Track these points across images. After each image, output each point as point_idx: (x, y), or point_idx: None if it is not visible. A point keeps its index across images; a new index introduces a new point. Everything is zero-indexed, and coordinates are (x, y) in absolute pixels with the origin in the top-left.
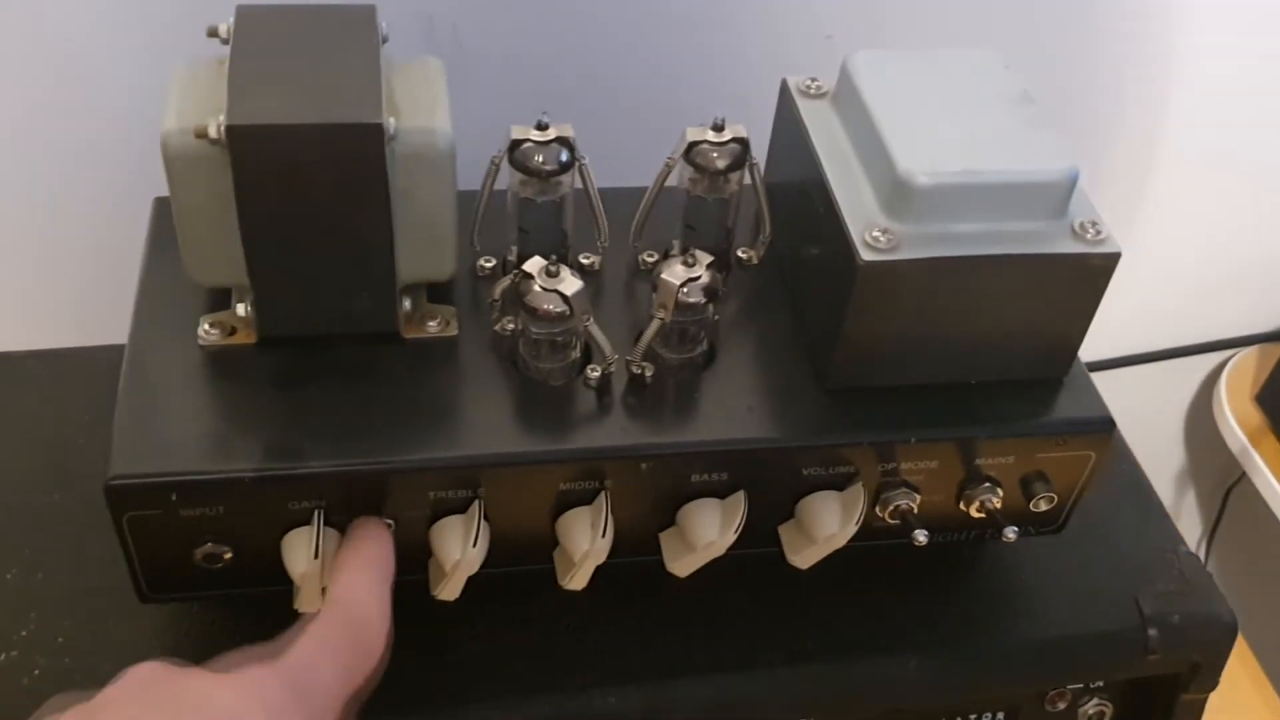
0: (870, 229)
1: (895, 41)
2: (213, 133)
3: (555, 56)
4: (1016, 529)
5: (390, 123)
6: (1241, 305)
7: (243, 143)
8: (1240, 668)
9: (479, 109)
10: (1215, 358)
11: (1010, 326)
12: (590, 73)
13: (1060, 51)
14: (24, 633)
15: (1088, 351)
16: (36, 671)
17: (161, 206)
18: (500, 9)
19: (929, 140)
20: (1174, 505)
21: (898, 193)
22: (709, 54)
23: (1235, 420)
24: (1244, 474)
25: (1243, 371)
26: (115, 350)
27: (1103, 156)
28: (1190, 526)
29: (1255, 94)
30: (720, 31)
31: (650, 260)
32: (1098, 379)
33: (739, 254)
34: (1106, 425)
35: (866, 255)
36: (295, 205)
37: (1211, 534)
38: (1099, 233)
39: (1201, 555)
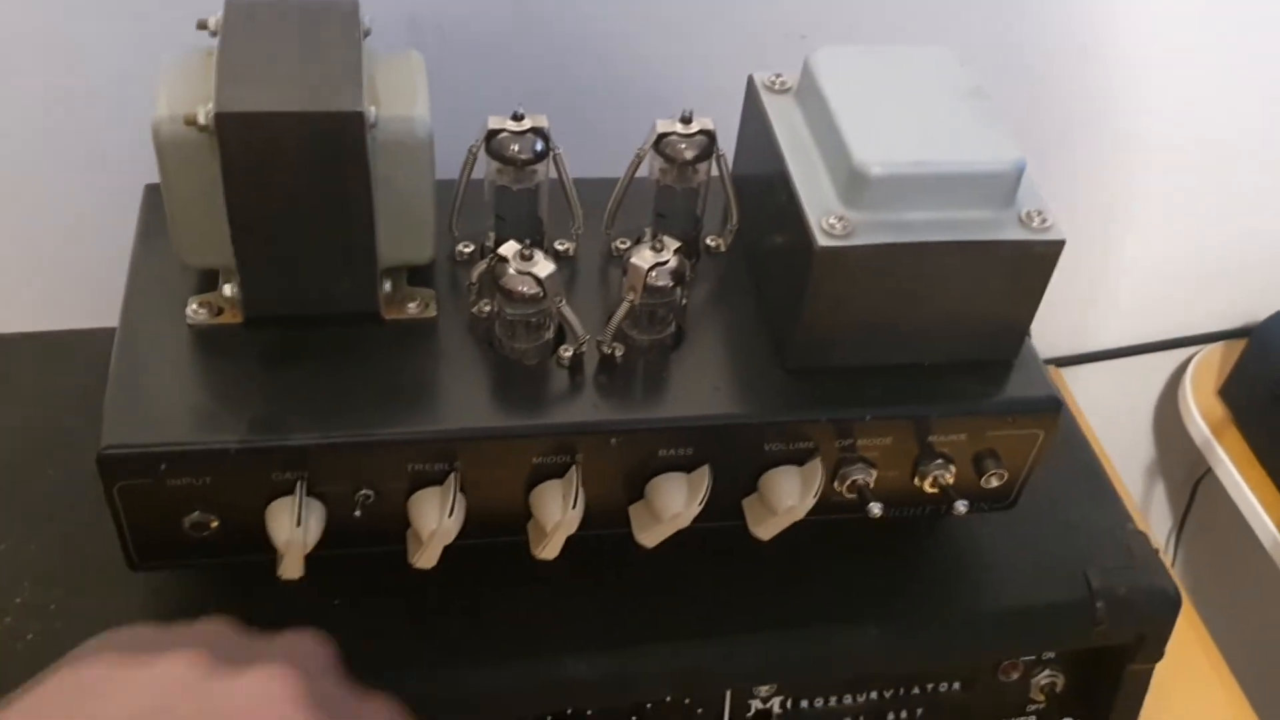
0: (827, 216)
1: (869, 40)
2: (201, 120)
3: (535, 53)
4: (968, 503)
5: (371, 111)
6: (1207, 302)
7: (230, 129)
8: (1203, 659)
9: (461, 101)
10: (1181, 354)
11: (961, 310)
12: (570, 68)
13: (1030, 49)
14: (18, 600)
15: (1057, 348)
16: (30, 636)
17: (151, 193)
18: (482, 9)
19: (884, 133)
20: (1143, 498)
21: (853, 182)
22: (686, 52)
23: (1200, 415)
24: (1210, 469)
25: (1208, 367)
26: (107, 333)
27: (1071, 154)
28: (1159, 519)
29: (1223, 93)
30: (698, 31)
31: (622, 247)
32: (1068, 374)
33: (707, 241)
34: (1053, 405)
35: (823, 241)
36: (280, 190)
37: (1180, 526)
38: (1045, 221)
39: (1170, 547)
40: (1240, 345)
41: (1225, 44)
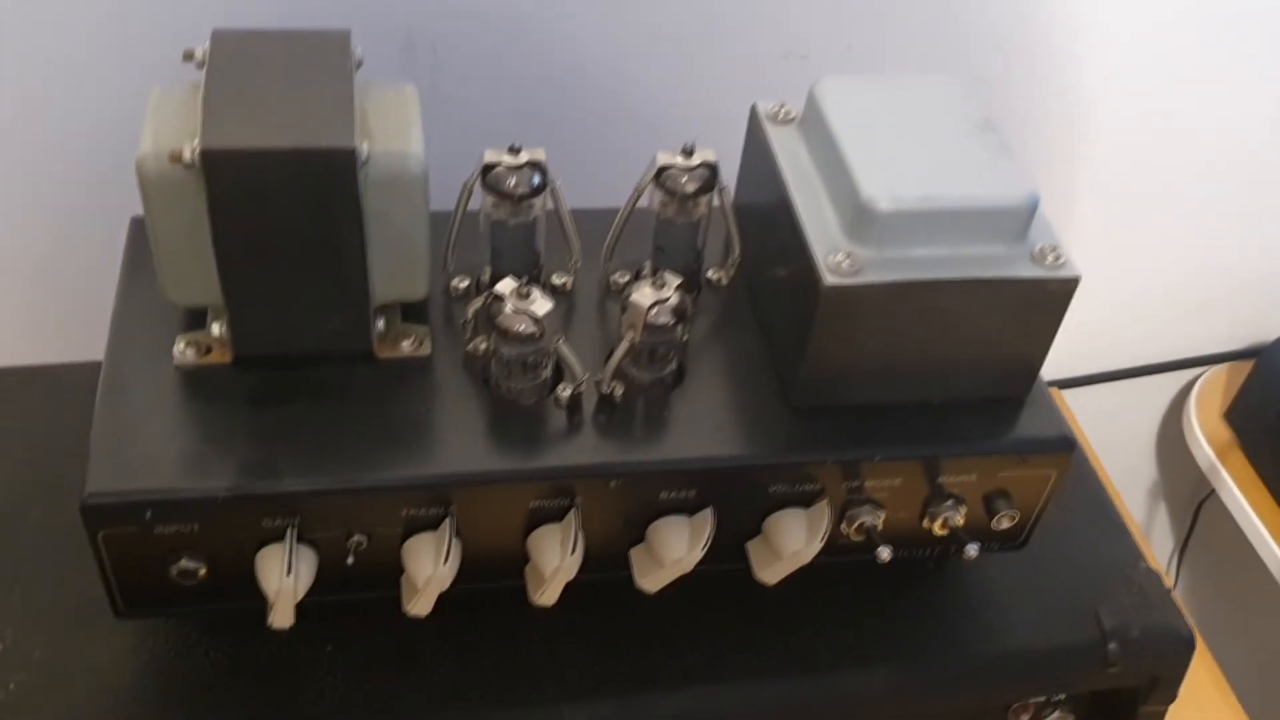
0: (834, 253)
1: (867, 62)
2: (187, 156)
3: (532, 77)
4: (979, 546)
5: (363, 147)
6: (1212, 323)
7: (216, 167)
8: (1209, 682)
9: (457, 128)
10: (1186, 375)
11: (972, 348)
12: (567, 93)
13: (1029, 75)
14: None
15: (1061, 369)
16: (12, 686)
17: (138, 227)
18: (478, 30)
19: (892, 166)
20: (1146, 521)
21: (861, 218)
22: (685, 75)
23: (1205, 437)
24: (1213, 490)
25: (1212, 389)
26: (92, 367)
27: (1075, 176)
28: (1162, 542)
29: (1230, 114)
30: (697, 53)
31: (622, 281)
32: (1071, 396)
33: (708, 275)
34: (1067, 445)
35: (830, 279)
36: (269, 228)
37: (1183, 549)
38: (1058, 258)
39: (1173, 570)
40: (1246, 367)
41: (1232, 67)
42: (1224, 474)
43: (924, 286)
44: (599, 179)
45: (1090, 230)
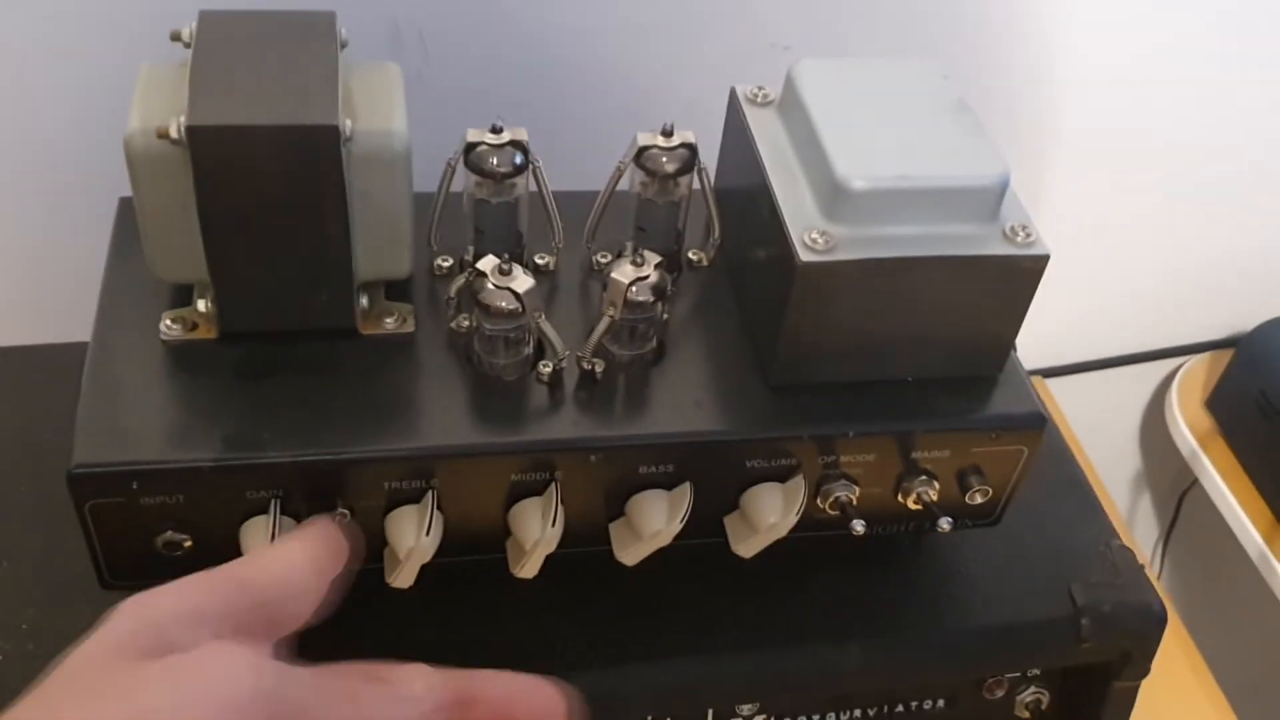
0: (809, 231)
1: (850, 53)
2: (174, 133)
3: (518, 65)
4: (951, 520)
5: (347, 124)
6: (1192, 313)
7: (202, 143)
8: (1189, 672)
9: (441, 111)
10: (1168, 365)
11: (945, 326)
12: (552, 82)
13: (1014, 62)
14: None
15: (1044, 358)
16: (0, 656)
17: (125, 206)
18: (465, 18)
19: (866, 146)
20: (1129, 510)
21: (835, 197)
22: (669, 63)
23: (1186, 426)
24: (1196, 479)
25: (1194, 378)
26: (80, 348)
27: (1057, 166)
28: (1146, 531)
29: (1211, 105)
30: (681, 42)
31: (603, 261)
32: (1054, 385)
33: (689, 255)
34: (1038, 421)
35: (805, 256)
36: (254, 204)
37: (1166, 538)
38: (1029, 235)
39: (1157, 559)
40: (1227, 356)
41: (1212, 61)
42: (1206, 462)
43: (897, 264)
44: (583, 167)
45: (1071, 221)
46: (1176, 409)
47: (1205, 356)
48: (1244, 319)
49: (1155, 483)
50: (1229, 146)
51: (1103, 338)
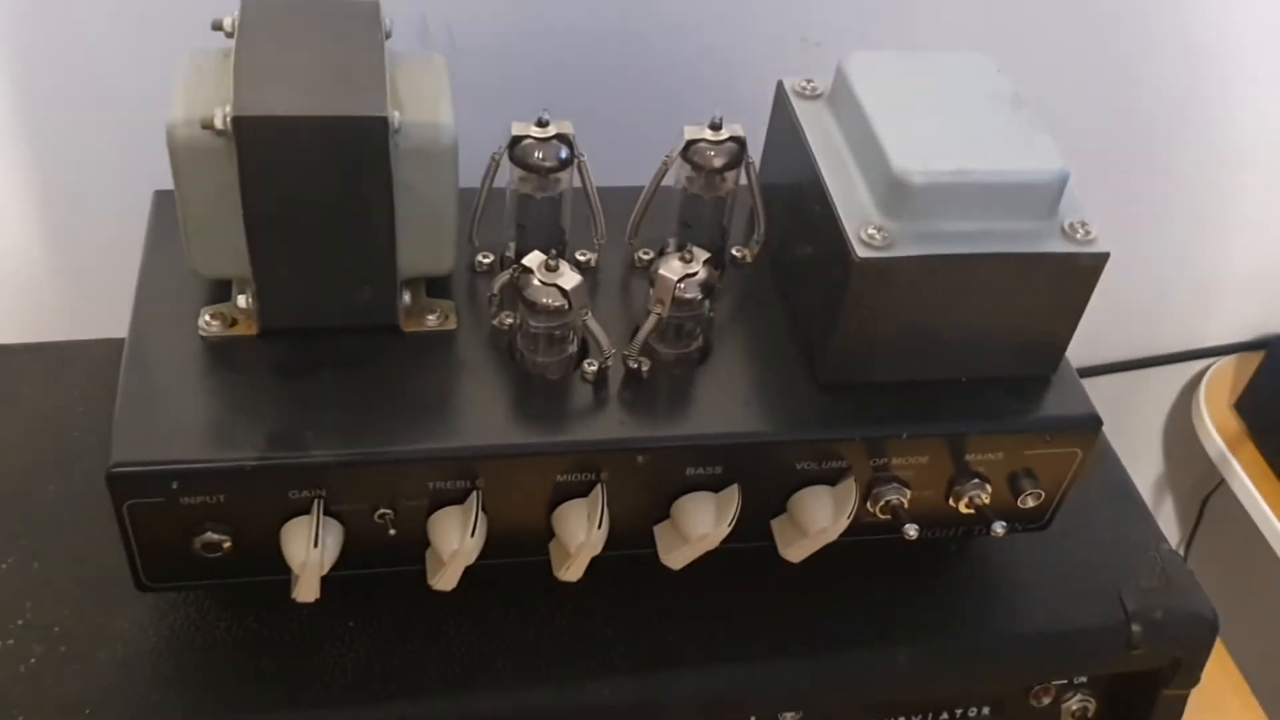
0: (865, 226)
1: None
2: (219, 123)
3: (548, 58)
4: (1005, 524)
5: (395, 116)
6: (1221, 314)
7: (249, 134)
8: (1219, 673)
9: (472, 109)
10: (1195, 365)
11: (1000, 324)
12: (585, 74)
13: (1049, 57)
14: (20, 621)
15: (1070, 358)
16: (33, 660)
17: (161, 200)
18: (494, 13)
19: (923, 140)
20: (1153, 511)
21: (893, 191)
22: (705, 59)
23: (1214, 427)
24: (1222, 481)
25: (1222, 379)
26: (111, 344)
27: (1089, 162)
28: (1169, 533)
29: (1246, 104)
30: (713, 37)
31: (646, 258)
32: None
33: (733, 252)
34: (1093, 423)
35: (862, 252)
36: (299, 197)
37: (1190, 540)
38: (1088, 233)
39: None
40: (1257, 358)
41: (1247, 59)
42: (1234, 464)
43: (955, 260)
44: (616, 162)
45: (1099, 221)
46: (1204, 410)
47: (1233, 358)
48: (1273, 320)
49: (1178, 486)
50: (1259, 145)
51: (1130, 338)
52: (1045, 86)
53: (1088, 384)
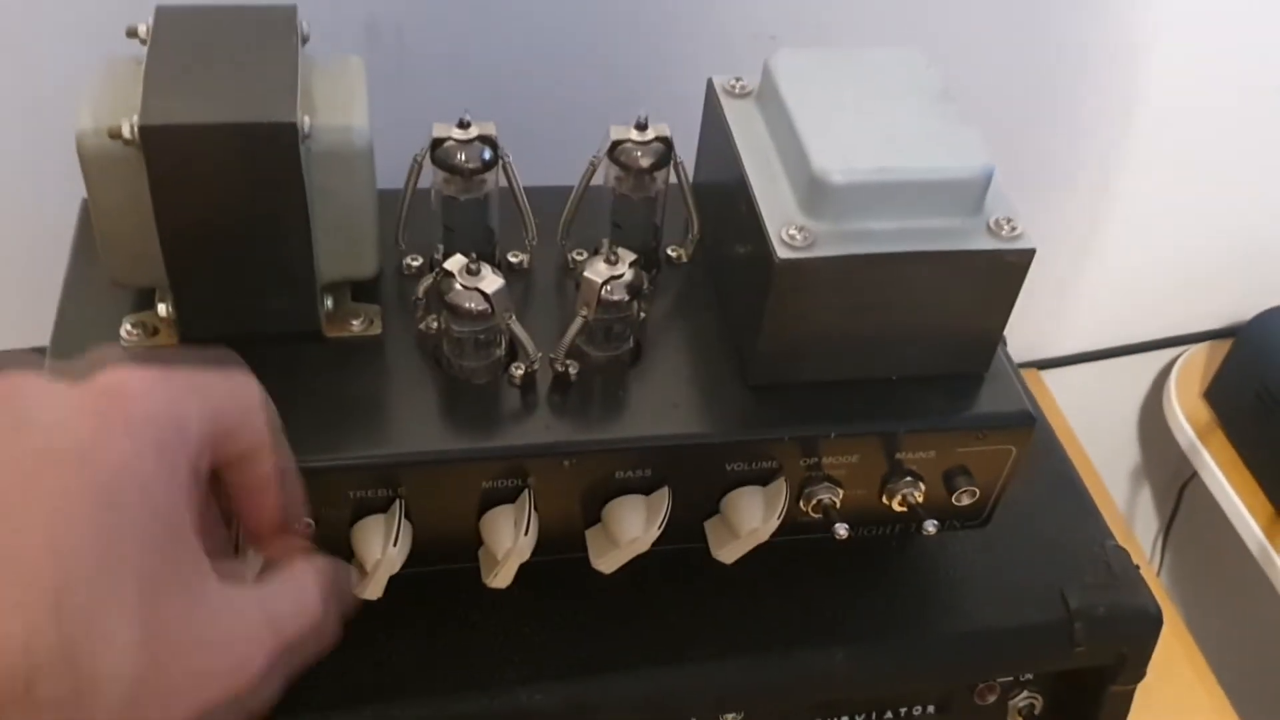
0: (787, 227)
1: (840, 41)
2: (126, 133)
3: (494, 58)
4: (937, 522)
5: (305, 121)
6: (1191, 303)
7: (156, 143)
8: (1189, 667)
9: (419, 107)
10: (1165, 355)
11: (929, 322)
12: (530, 73)
13: (1013, 52)
14: None
15: (1040, 349)
16: None
17: (87, 209)
18: (442, 12)
19: (845, 138)
20: (1128, 503)
21: (814, 191)
22: (653, 58)
23: (1185, 417)
24: (1196, 471)
25: (1192, 368)
26: (37, 355)
27: (1056, 157)
28: (1146, 523)
29: (1207, 91)
30: (662, 32)
31: (579, 258)
32: (1050, 376)
33: (668, 252)
34: (1026, 419)
35: (783, 253)
36: (211, 205)
37: (1166, 531)
38: (1014, 229)
39: (1157, 553)
40: (1225, 346)
41: (1209, 42)
42: (1204, 454)
43: (878, 259)
44: (564, 161)
45: (1068, 213)
46: (1175, 400)
47: (1203, 346)
48: (1242, 309)
49: (1155, 475)
50: (1224, 133)
51: (1099, 328)
52: (1014, 79)
53: (1063, 374)
